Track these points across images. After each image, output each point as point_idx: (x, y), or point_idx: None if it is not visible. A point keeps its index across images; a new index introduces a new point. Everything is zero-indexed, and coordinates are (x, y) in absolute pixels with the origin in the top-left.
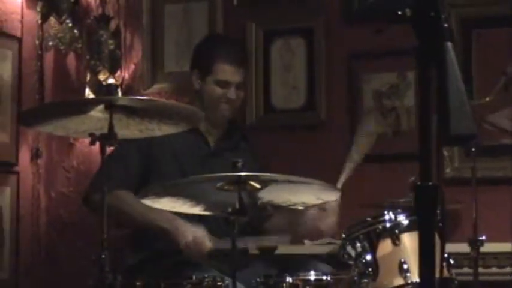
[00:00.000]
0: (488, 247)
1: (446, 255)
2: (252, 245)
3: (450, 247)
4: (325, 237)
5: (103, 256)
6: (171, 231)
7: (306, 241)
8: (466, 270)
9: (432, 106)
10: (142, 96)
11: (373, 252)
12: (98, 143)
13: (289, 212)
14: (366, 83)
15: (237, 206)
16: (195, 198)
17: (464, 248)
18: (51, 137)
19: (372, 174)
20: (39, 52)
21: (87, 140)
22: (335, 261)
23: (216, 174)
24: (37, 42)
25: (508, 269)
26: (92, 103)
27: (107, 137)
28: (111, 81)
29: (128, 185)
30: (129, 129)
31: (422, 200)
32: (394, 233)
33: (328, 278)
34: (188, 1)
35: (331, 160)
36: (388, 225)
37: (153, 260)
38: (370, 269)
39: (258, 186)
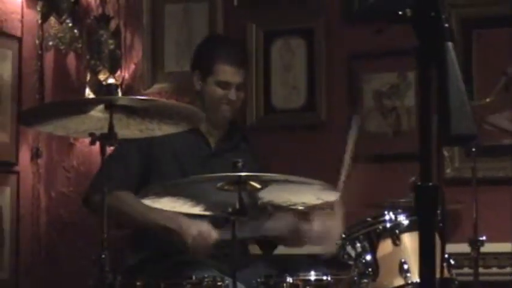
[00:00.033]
0: (488, 247)
1: (446, 255)
2: (253, 233)
3: (450, 247)
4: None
5: (103, 256)
6: (176, 229)
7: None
8: (466, 270)
9: (432, 106)
10: (142, 96)
11: (373, 252)
12: (98, 143)
13: (293, 219)
14: (366, 83)
15: (237, 206)
16: (196, 198)
17: (464, 248)
18: (51, 136)
19: (372, 174)
20: (39, 52)
21: (87, 140)
22: (335, 261)
23: (216, 174)
24: (37, 42)
25: (508, 269)
26: (92, 103)
27: (107, 137)
28: (111, 81)
29: (128, 185)
30: (129, 129)
31: (423, 200)
32: (394, 233)
33: (328, 278)
34: (188, 1)
35: (331, 160)
36: (388, 225)
37: (153, 260)
38: (370, 269)
39: (258, 186)
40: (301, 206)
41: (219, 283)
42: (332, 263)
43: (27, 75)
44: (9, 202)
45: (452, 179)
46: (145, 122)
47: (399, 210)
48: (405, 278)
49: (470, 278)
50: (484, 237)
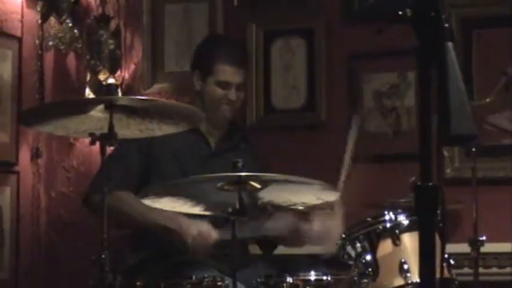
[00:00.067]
0: (488, 247)
1: (446, 255)
2: (253, 233)
3: (450, 247)
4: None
5: (103, 256)
6: (176, 229)
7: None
8: (466, 270)
9: (432, 106)
10: (142, 96)
11: (373, 252)
12: (98, 143)
13: (293, 219)
14: (366, 83)
15: (237, 206)
16: (196, 198)
17: (464, 248)
18: (51, 136)
19: (372, 174)
20: (39, 52)
21: (87, 140)
22: (335, 261)
23: (216, 174)
24: (37, 42)
25: (508, 269)
26: (92, 103)
27: (107, 137)
28: (111, 81)
29: (128, 185)
30: (129, 129)
31: (423, 200)
32: (394, 233)
33: (329, 278)
34: (188, 1)
35: (331, 160)
36: (388, 225)
37: (153, 260)
38: (370, 269)
39: (258, 186)
40: (301, 206)
41: (219, 283)
42: (332, 263)
43: (27, 75)
44: (9, 202)
45: (452, 179)
46: (145, 122)
47: (399, 210)
48: (405, 278)
49: (470, 278)
50: (484, 237)
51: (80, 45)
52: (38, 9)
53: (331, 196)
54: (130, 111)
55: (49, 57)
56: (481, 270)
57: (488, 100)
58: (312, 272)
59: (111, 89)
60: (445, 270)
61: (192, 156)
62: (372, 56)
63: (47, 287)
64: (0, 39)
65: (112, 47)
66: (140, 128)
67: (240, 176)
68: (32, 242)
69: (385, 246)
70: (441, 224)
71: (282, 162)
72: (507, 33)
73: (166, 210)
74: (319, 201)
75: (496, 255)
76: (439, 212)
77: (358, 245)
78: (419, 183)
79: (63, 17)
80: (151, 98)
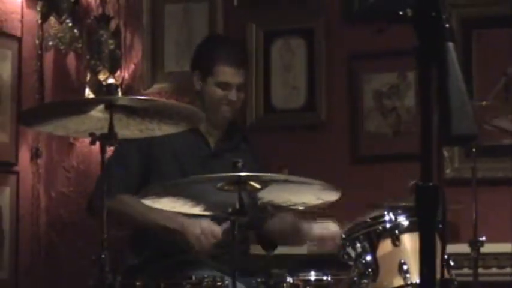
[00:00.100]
0: (488, 248)
1: (446, 256)
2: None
3: (450, 248)
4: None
5: (103, 256)
6: (177, 229)
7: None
8: (466, 271)
9: (433, 106)
10: (142, 96)
11: (373, 252)
12: (98, 143)
13: (293, 219)
14: (366, 83)
15: (237, 206)
16: (196, 199)
17: (464, 248)
18: (51, 136)
19: (372, 174)
20: (39, 52)
21: (87, 140)
22: (335, 261)
23: (216, 175)
24: (37, 42)
25: (508, 270)
26: (92, 103)
27: (107, 137)
28: (111, 81)
29: (128, 186)
30: (129, 129)
31: (423, 201)
32: (394, 233)
33: (328, 278)
34: (188, 1)
35: (331, 160)
36: (388, 225)
37: (153, 260)
38: (370, 270)
39: (258, 186)
40: (301, 206)
41: (219, 283)
42: (332, 263)
43: (27, 75)
44: (9, 202)
45: (452, 179)
46: (145, 122)
47: (399, 211)
48: (405, 278)
49: (470, 279)
50: (483, 238)
51: (79, 45)
52: (38, 9)
53: (331, 196)
54: (130, 111)
55: (49, 57)
56: (480, 270)
57: (488, 100)
58: (312, 272)
59: (111, 89)
60: (445, 271)
61: (192, 156)
62: (372, 56)
63: (47, 287)
64: (0, 39)
65: (112, 47)
66: (140, 128)
67: (240, 176)
68: (31, 242)
69: (385, 246)
70: (441, 225)
71: (282, 162)
72: (507, 33)
73: (166, 211)
74: (319, 201)
75: (496, 256)
76: (439, 212)
77: (358, 245)
78: (419, 184)
79: (63, 17)
80: (151, 98)
